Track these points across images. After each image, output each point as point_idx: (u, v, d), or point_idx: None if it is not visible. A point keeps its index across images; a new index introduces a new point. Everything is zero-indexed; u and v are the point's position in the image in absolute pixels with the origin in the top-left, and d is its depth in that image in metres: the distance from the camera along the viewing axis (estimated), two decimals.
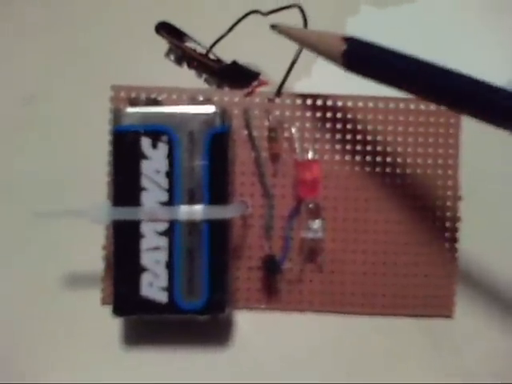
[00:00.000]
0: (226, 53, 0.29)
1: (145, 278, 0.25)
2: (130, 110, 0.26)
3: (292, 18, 0.28)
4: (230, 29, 0.29)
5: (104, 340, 0.28)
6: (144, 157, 0.25)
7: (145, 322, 0.28)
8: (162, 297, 0.25)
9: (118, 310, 0.26)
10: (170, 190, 0.25)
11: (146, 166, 0.25)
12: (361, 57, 0.24)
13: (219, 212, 0.26)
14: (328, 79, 0.30)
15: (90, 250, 0.29)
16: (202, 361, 0.28)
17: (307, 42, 0.26)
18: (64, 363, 0.28)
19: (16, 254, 0.29)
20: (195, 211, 0.25)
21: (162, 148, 0.25)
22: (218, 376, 0.28)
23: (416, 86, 0.24)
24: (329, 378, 0.29)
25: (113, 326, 0.28)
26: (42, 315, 0.29)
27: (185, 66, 0.30)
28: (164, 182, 0.25)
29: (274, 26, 0.28)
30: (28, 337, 0.29)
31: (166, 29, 0.30)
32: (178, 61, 0.30)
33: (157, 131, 0.25)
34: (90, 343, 0.28)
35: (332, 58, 0.25)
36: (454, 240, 0.29)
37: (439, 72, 0.23)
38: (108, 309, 0.26)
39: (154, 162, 0.25)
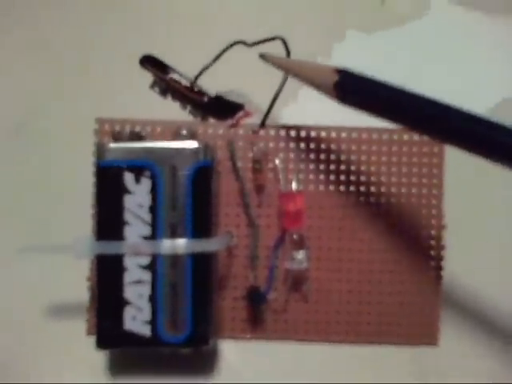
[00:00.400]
0: (211, 83, 0.30)
1: (128, 312, 0.26)
2: (114, 145, 0.26)
3: (277, 49, 0.28)
4: (215, 59, 0.29)
5: (89, 370, 0.29)
6: (127, 191, 0.26)
7: (130, 354, 0.28)
8: (146, 330, 0.26)
9: (101, 343, 0.26)
10: (153, 225, 0.26)
11: (129, 201, 0.26)
12: (353, 89, 0.24)
13: (202, 245, 0.26)
14: (315, 105, 0.30)
15: (76, 280, 0.29)
16: None
17: (298, 72, 0.26)
18: None
19: (1, 283, 0.29)
20: (178, 245, 0.26)
21: (145, 183, 0.26)
22: None
23: (409, 119, 0.24)
24: None
25: (98, 356, 0.29)
26: (28, 346, 0.29)
27: (169, 98, 0.30)
28: (147, 217, 0.26)
29: (262, 56, 0.28)
30: (14, 367, 0.29)
31: (150, 62, 0.30)
32: (163, 93, 0.30)
33: (140, 166, 0.26)
34: (76, 373, 0.29)
35: (324, 90, 0.25)
36: (439, 268, 0.29)
37: (434, 106, 0.23)
38: (93, 339, 0.26)
39: (137, 196, 0.26)
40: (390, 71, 0.25)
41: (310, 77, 0.26)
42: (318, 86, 0.25)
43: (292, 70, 0.27)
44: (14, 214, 0.30)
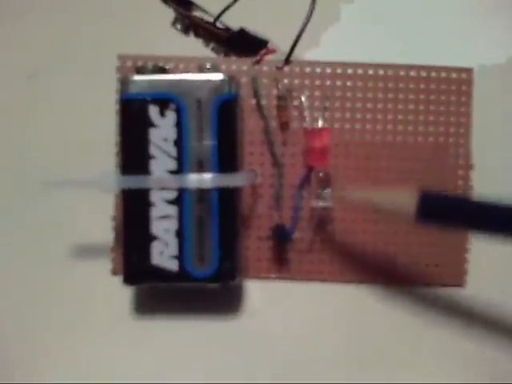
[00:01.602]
0: (234, 21, 0.29)
1: (155, 247, 0.25)
2: (137, 77, 0.26)
3: None
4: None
5: (115, 310, 0.28)
6: (152, 125, 0.25)
7: (155, 291, 0.28)
8: (173, 265, 0.25)
9: (128, 279, 0.26)
10: (179, 159, 0.25)
11: (154, 134, 0.25)
12: (433, 210, 0.24)
13: (228, 180, 0.25)
14: (337, 48, 0.30)
15: (100, 221, 0.29)
16: (213, 329, 0.28)
17: (378, 203, 0.26)
18: (75, 333, 0.29)
19: (26, 224, 0.29)
20: (204, 179, 0.25)
21: (170, 116, 0.25)
22: (227, 344, 0.28)
23: (492, 230, 0.24)
24: (339, 348, 0.29)
25: (124, 296, 0.28)
26: (53, 286, 0.29)
27: (192, 35, 0.30)
28: (172, 151, 0.25)
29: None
30: (39, 308, 0.29)
31: None
32: (185, 30, 0.30)
33: (164, 99, 0.25)
34: (101, 313, 0.29)
35: (403, 216, 0.25)
36: None
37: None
38: (118, 279, 0.26)
39: (162, 130, 0.25)
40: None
41: (387, 205, 0.25)
42: (397, 213, 0.25)
43: (368, 203, 0.26)
44: (38, 151, 0.29)
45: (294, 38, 0.28)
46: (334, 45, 0.30)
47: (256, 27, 0.29)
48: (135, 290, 0.28)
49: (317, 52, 0.30)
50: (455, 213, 0.24)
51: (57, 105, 0.29)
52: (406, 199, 0.24)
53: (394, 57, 0.29)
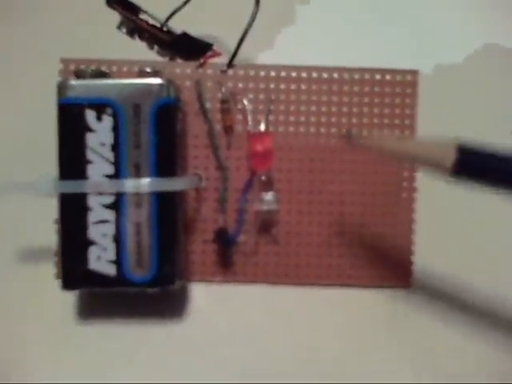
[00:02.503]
0: (183, 25, 0.29)
1: (92, 252, 0.25)
2: (75, 82, 0.26)
3: None
4: (185, 2, 0.28)
5: (58, 314, 0.28)
6: (89, 129, 0.25)
7: (99, 295, 0.28)
8: (111, 270, 0.25)
9: (66, 284, 0.26)
10: (116, 163, 0.25)
11: (91, 139, 0.25)
12: (473, 165, 0.23)
13: (167, 184, 0.25)
14: (291, 50, 0.30)
15: (44, 224, 0.28)
16: (157, 333, 0.29)
17: (405, 152, 0.23)
18: (18, 337, 0.28)
19: None
20: (142, 184, 0.25)
21: (107, 120, 0.25)
22: (172, 348, 0.28)
23: None
24: (284, 350, 0.29)
25: (67, 300, 0.28)
26: None
27: (137, 39, 0.30)
28: (109, 155, 0.25)
29: (350, 134, 0.25)
30: None
31: (117, 1, 0.29)
32: (130, 33, 0.30)
33: (101, 103, 0.25)
34: (45, 318, 0.29)
35: (439, 168, 0.23)
36: (410, 211, 0.29)
37: None
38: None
39: (99, 134, 0.25)
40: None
41: (422, 156, 0.23)
42: (435, 165, 0.23)
43: (396, 150, 0.24)
44: None
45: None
46: (287, 47, 0.30)
47: (205, 31, 0.29)
48: (79, 294, 0.28)
49: (270, 54, 0.30)
50: (496, 168, 0.23)
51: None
52: (443, 150, 0.23)
53: (346, 59, 0.29)
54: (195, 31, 0.29)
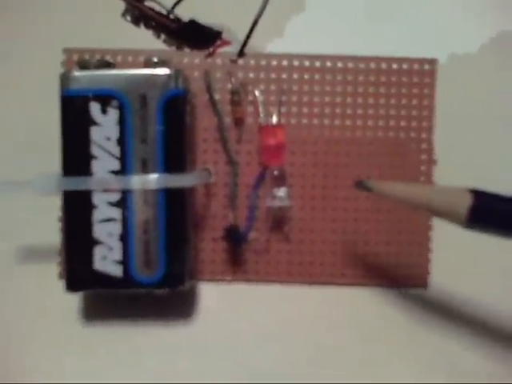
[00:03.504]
0: (189, 12, 0.28)
1: (98, 251, 0.24)
2: (78, 73, 0.24)
3: None
4: None
5: (62, 316, 0.27)
6: (93, 123, 0.24)
7: (105, 296, 0.27)
8: (117, 270, 0.24)
9: (71, 285, 0.25)
10: (122, 158, 0.24)
11: (95, 133, 0.24)
12: (489, 212, 0.22)
13: (175, 181, 0.24)
14: (301, 38, 0.29)
15: (47, 222, 0.27)
16: (165, 334, 0.27)
17: (419, 200, 0.22)
18: (21, 339, 0.27)
19: None
20: (149, 180, 0.24)
21: (112, 113, 0.24)
22: (181, 350, 0.27)
23: None
24: (296, 350, 0.28)
25: (71, 301, 0.27)
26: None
27: (142, 27, 0.28)
28: (115, 150, 0.24)
29: (361, 183, 0.23)
30: None
31: None
32: (136, 21, 0.28)
33: (106, 95, 0.24)
34: (48, 319, 0.27)
35: (453, 215, 0.22)
36: None
37: None
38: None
39: (104, 128, 0.24)
40: None
41: (439, 202, 0.22)
42: (450, 212, 0.22)
43: (405, 196, 0.22)
44: None
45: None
46: (298, 35, 0.29)
47: (213, 18, 0.28)
48: (83, 294, 0.27)
49: (280, 42, 0.29)
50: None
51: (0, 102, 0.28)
52: (457, 198, 0.22)
53: (360, 48, 0.28)
54: (202, 18, 0.28)
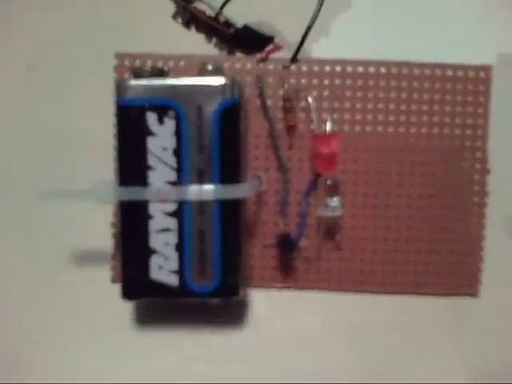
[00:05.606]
0: (238, 14, 0.27)
1: (154, 261, 0.24)
2: (134, 82, 0.24)
3: None
4: None
5: (115, 320, 0.28)
6: (150, 133, 0.24)
7: (157, 303, 0.27)
8: (173, 280, 0.24)
9: (127, 294, 0.25)
10: (179, 169, 0.24)
11: (152, 143, 0.24)
12: None
13: (231, 191, 0.24)
14: (348, 40, 0.28)
15: (100, 227, 0.27)
16: (216, 342, 0.28)
17: None
18: (74, 343, 0.28)
19: (25, 231, 0.28)
20: (205, 191, 0.24)
21: (169, 124, 0.24)
22: (232, 358, 0.27)
23: None
24: (346, 359, 0.28)
25: (124, 305, 0.27)
26: (51, 295, 0.28)
27: (193, 30, 0.28)
28: (172, 161, 0.24)
29: None
30: (38, 316, 0.28)
31: None
32: (186, 24, 0.28)
33: (163, 106, 0.24)
34: (101, 323, 0.28)
35: None
36: (481, 215, 0.27)
37: None
38: (118, 287, 0.25)
39: (161, 138, 0.24)
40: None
41: None
42: None
43: None
44: (32, 158, 0.28)
45: (302, 30, 0.26)
46: (344, 36, 0.28)
47: (261, 20, 0.28)
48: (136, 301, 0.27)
49: (326, 43, 0.28)
50: None
51: (53, 107, 0.28)
52: None
53: (406, 53, 0.27)
54: (251, 21, 0.27)
